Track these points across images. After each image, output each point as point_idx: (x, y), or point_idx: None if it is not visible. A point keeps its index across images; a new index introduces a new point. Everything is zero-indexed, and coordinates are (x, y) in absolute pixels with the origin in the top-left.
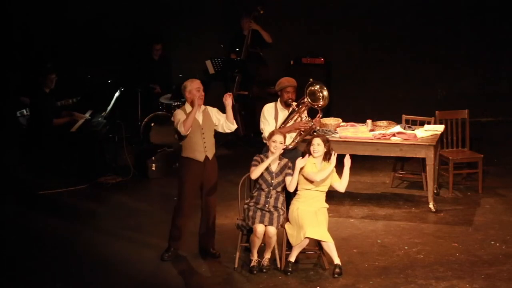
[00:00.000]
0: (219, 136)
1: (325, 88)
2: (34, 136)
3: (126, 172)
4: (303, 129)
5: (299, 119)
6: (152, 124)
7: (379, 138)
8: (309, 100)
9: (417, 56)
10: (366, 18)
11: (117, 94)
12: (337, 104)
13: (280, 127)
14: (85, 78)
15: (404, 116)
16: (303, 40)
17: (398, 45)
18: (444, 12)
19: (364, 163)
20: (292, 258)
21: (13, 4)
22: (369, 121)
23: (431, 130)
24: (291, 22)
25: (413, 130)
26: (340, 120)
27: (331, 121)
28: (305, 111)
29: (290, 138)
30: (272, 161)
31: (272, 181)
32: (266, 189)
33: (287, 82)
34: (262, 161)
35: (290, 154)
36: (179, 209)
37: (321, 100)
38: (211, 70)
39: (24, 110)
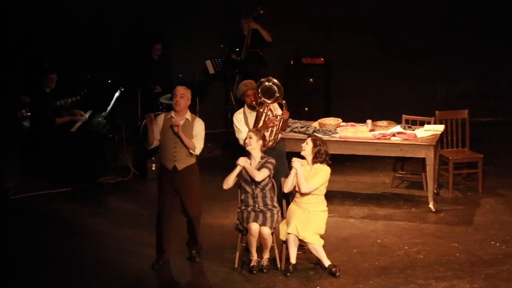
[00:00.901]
0: (218, 137)
1: (272, 78)
2: (34, 136)
3: (126, 172)
4: (272, 126)
5: (267, 117)
6: None
7: (379, 138)
8: (265, 99)
9: (417, 56)
10: (366, 18)
11: (117, 94)
12: (337, 104)
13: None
14: (85, 78)
15: (404, 116)
16: (303, 40)
17: (398, 45)
18: (444, 12)
19: (364, 163)
20: (293, 260)
21: (12, 4)
22: (369, 121)
23: (431, 130)
24: (291, 22)
25: (413, 130)
26: (340, 120)
27: (331, 121)
28: (273, 106)
29: (266, 138)
30: (253, 159)
31: (252, 181)
32: (250, 190)
33: (244, 86)
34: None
35: (273, 153)
36: (157, 219)
37: (276, 92)
38: (211, 70)
39: (24, 110)
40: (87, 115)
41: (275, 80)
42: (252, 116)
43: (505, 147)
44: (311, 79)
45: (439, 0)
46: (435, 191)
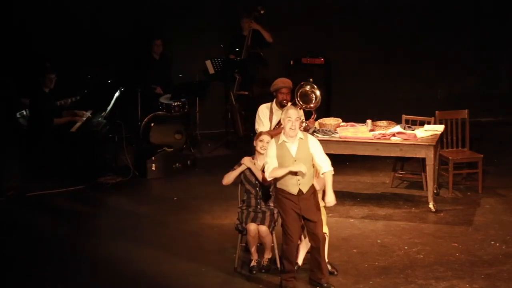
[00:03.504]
0: (219, 136)
1: (316, 88)
2: (34, 136)
3: (125, 172)
4: None
5: None
6: (152, 124)
7: (379, 138)
8: (300, 102)
9: (417, 56)
10: (366, 18)
11: (117, 94)
12: (337, 104)
13: (274, 128)
14: (85, 78)
15: (404, 116)
16: (303, 40)
17: (398, 45)
18: (444, 12)
19: (364, 163)
20: (300, 260)
21: (12, 4)
22: (369, 121)
23: (431, 130)
24: (291, 22)
25: (413, 130)
26: (340, 120)
27: (331, 121)
28: (301, 112)
29: None
30: (258, 160)
31: (257, 182)
32: (253, 191)
33: (281, 83)
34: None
35: None
36: (287, 241)
37: (313, 101)
38: (211, 70)
39: (24, 111)
40: (88, 113)
41: (317, 91)
42: (278, 113)
43: (505, 147)
44: (311, 79)
45: (439, 0)
46: (435, 191)
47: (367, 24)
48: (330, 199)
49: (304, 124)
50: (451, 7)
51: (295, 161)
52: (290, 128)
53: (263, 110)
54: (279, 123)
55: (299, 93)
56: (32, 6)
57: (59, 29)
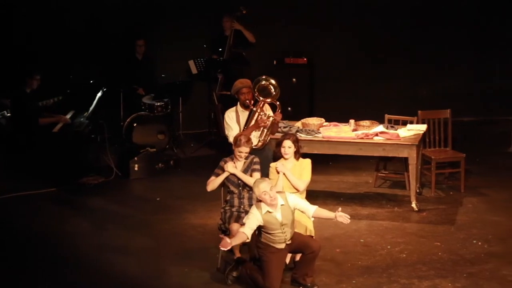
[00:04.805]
0: (202, 136)
1: (270, 78)
2: (16, 137)
3: (108, 172)
4: (264, 126)
5: (259, 117)
6: (135, 125)
7: (362, 138)
8: (261, 97)
9: (400, 56)
10: (349, 17)
11: (99, 94)
12: (320, 104)
13: (243, 129)
14: (67, 78)
15: (386, 116)
16: (286, 40)
17: (381, 45)
18: (428, 12)
19: (347, 163)
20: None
21: None
22: (352, 121)
23: (414, 129)
24: (274, 21)
25: (396, 130)
26: (323, 120)
27: (314, 121)
28: (266, 107)
29: (256, 138)
30: (237, 161)
31: (239, 181)
32: (236, 191)
33: (240, 84)
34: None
35: (262, 155)
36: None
37: (273, 92)
38: (193, 70)
39: (5, 112)
40: (68, 116)
41: (273, 80)
42: (244, 114)
43: (487, 146)
44: (294, 79)
45: (421, 0)
46: (417, 191)
47: (350, 24)
48: (341, 219)
49: (271, 119)
50: (433, 7)
51: (282, 225)
52: (271, 200)
53: (229, 115)
54: (246, 123)
55: (256, 89)
56: (13, 5)
57: (41, 29)
